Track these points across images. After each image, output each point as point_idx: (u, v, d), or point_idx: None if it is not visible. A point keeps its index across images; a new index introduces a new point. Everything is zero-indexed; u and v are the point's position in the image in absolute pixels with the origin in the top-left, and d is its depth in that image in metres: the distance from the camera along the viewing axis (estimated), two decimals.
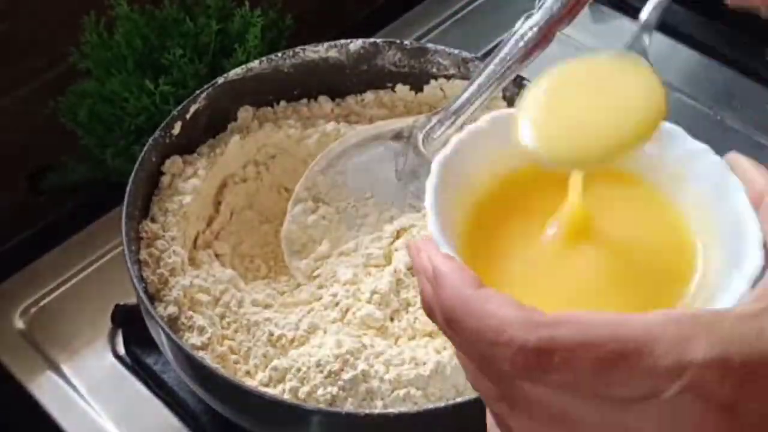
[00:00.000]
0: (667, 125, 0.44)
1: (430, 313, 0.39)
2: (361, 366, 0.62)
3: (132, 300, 0.69)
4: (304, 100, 0.78)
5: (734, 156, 0.43)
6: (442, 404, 0.60)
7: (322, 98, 0.78)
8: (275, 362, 0.63)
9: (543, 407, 0.36)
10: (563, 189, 0.43)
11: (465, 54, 0.76)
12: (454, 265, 0.38)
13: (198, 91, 0.73)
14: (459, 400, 0.60)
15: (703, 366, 0.34)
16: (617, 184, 0.45)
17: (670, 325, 0.35)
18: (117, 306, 0.75)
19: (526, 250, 0.43)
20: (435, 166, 0.42)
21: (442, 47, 0.77)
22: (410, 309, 0.67)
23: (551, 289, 0.42)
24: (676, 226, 0.44)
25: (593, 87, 0.43)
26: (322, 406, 0.60)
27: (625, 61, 0.44)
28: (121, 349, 0.75)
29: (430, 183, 0.41)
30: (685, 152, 0.44)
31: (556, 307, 0.36)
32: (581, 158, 0.42)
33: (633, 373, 0.34)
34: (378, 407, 0.61)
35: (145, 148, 0.69)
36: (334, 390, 0.61)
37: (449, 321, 0.37)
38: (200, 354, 0.62)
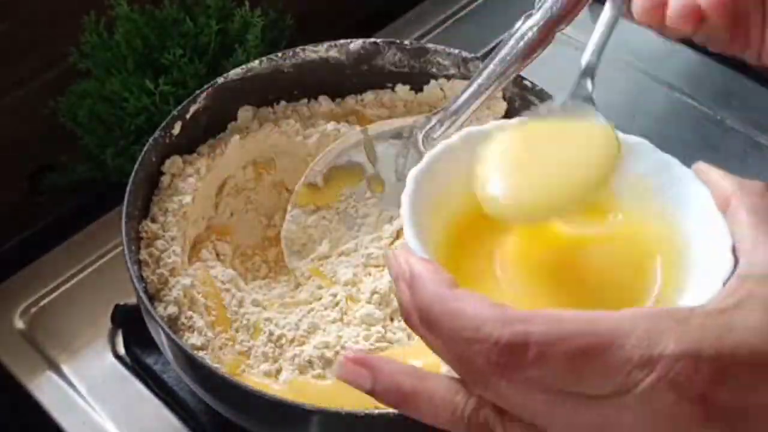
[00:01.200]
0: (634, 140, 0.46)
1: (407, 316, 0.40)
2: None
3: (132, 300, 0.69)
4: (304, 100, 0.77)
5: (700, 165, 0.44)
6: None
7: (322, 98, 0.77)
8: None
9: (519, 408, 0.37)
10: None
11: (465, 54, 0.76)
12: (430, 266, 0.39)
13: (198, 91, 0.73)
14: None
15: (674, 359, 0.35)
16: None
17: (640, 320, 0.36)
18: (117, 306, 0.75)
19: (498, 257, 0.45)
20: (410, 179, 0.44)
21: (442, 47, 0.76)
22: None
23: (521, 294, 0.44)
24: (637, 240, 0.45)
25: (545, 148, 0.46)
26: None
27: (576, 118, 0.48)
28: (121, 349, 0.75)
29: (406, 194, 0.44)
30: (652, 165, 0.45)
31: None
32: (537, 213, 0.45)
33: (605, 367, 0.35)
34: None
35: (145, 148, 0.69)
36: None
37: (426, 322, 0.38)
38: (200, 354, 0.62)
